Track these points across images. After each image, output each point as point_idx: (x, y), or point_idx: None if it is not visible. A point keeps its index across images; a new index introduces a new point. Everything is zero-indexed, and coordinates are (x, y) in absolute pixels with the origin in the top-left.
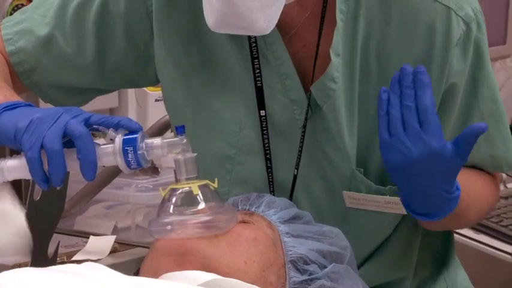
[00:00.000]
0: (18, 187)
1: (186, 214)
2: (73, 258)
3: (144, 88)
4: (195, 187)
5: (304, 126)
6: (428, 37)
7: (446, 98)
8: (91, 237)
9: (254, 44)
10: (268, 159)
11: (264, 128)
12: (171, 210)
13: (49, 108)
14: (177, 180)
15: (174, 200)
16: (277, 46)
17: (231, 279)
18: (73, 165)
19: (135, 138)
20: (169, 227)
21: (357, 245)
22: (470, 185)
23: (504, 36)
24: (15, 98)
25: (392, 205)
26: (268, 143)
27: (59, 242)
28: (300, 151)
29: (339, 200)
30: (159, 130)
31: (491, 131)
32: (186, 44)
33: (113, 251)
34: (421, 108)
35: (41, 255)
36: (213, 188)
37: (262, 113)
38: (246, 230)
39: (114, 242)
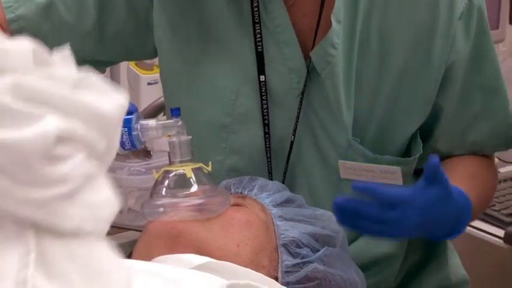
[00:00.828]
0: None
1: (179, 197)
2: None
3: (137, 71)
4: (188, 170)
5: (303, 93)
6: (432, 10)
7: (448, 75)
8: None
9: (256, 9)
10: (266, 125)
11: (263, 94)
12: (163, 193)
13: None
14: (171, 163)
15: (167, 182)
16: (278, 13)
17: (225, 262)
18: None
19: (130, 119)
20: (161, 209)
21: None
22: (478, 182)
23: (497, 21)
24: None
25: (389, 175)
26: (267, 108)
27: None
28: (297, 119)
29: (333, 171)
30: (152, 113)
31: (493, 108)
32: (185, 10)
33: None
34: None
35: None
36: (206, 171)
37: (262, 78)
38: (239, 213)
39: None
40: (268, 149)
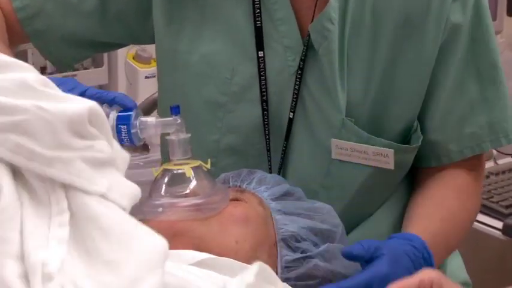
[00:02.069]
0: None
1: (178, 196)
2: None
3: (134, 65)
4: (188, 169)
5: (301, 69)
6: None
7: (442, 57)
8: None
9: None
10: (264, 101)
11: (262, 70)
12: (162, 192)
13: None
14: (169, 161)
15: (166, 181)
16: None
17: (224, 258)
18: None
19: (130, 115)
20: (160, 209)
21: (339, 204)
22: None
23: (495, 12)
24: None
25: (381, 157)
26: (266, 85)
27: None
28: (294, 97)
29: (325, 151)
30: (149, 107)
31: (491, 98)
32: None
33: None
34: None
35: None
36: (205, 169)
37: (261, 54)
38: (238, 209)
39: None
40: (266, 126)
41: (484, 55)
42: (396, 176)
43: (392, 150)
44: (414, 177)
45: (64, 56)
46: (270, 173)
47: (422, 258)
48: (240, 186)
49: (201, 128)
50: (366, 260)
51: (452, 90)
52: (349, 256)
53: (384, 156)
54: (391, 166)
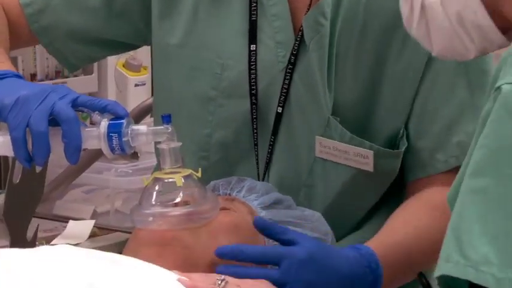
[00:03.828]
0: None
1: (169, 205)
2: (52, 243)
3: (124, 73)
4: (178, 178)
5: (292, 64)
6: None
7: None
8: (70, 221)
9: None
10: (253, 95)
11: (252, 63)
12: (153, 201)
13: (36, 84)
14: (160, 169)
15: (157, 189)
16: None
17: None
18: (57, 148)
19: (121, 124)
20: (151, 219)
21: (320, 204)
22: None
23: None
24: (5, 65)
25: (361, 158)
26: (255, 78)
27: (38, 225)
28: (283, 92)
29: (309, 149)
30: (139, 115)
31: (480, 106)
32: None
33: (92, 235)
34: None
35: (19, 239)
36: (196, 178)
37: (253, 47)
38: (227, 218)
39: (93, 226)
40: (255, 120)
41: (474, 61)
42: (380, 182)
43: (371, 152)
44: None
45: (70, 54)
46: (257, 168)
47: (367, 266)
48: (229, 195)
49: (193, 123)
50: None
51: (441, 97)
52: (260, 224)
53: (363, 158)
54: (370, 168)
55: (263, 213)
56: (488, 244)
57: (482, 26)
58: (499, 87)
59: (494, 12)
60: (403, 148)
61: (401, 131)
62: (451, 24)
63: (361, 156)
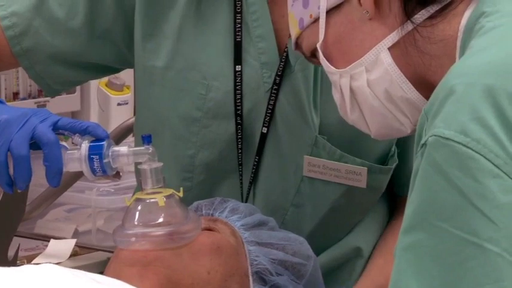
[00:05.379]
0: None
1: (151, 226)
2: (33, 262)
3: (107, 92)
4: (160, 199)
5: (277, 84)
6: None
7: None
8: (51, 240)
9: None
10: (239, 115)
11: (238, 84)
12: (135, 221)
13: (17, 108)
14: (142, 189)
15: (139, 210)
16: (258, 7)
17: None
18: (38, 171)
19: (102, 145)
20: (133, 239)
21: (309, 223)
22: None
23: None
24: None
25: (353, 175)
26: (241, 99)
27: (19, 245)
28: (268, 112)
29: (296, 168)
30: (121, 134)
31: None
32: (162, 5)
33: (73, 254)
34: None
35: (0, 257)
36: (178, 197)
37: (238, 68)
38: (210, 239)
39: (75, 245)
40: (239, 141)
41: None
42: (369, 198)
43: (365, 169)
44: (396, 206)
45: (51, 78)
46: (241, 188)
47: None
48: (212, 215)
49: (177, 143)
50: None
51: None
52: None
53: (356, 175)
54: (363, 185)
55: (246, 234)
56: None
57: (411, 99)
58: (424, 143)
59: (420, 83)
60: (393, 165)
61: (392, 149)
62: (381, 102)
63: (353, 174)
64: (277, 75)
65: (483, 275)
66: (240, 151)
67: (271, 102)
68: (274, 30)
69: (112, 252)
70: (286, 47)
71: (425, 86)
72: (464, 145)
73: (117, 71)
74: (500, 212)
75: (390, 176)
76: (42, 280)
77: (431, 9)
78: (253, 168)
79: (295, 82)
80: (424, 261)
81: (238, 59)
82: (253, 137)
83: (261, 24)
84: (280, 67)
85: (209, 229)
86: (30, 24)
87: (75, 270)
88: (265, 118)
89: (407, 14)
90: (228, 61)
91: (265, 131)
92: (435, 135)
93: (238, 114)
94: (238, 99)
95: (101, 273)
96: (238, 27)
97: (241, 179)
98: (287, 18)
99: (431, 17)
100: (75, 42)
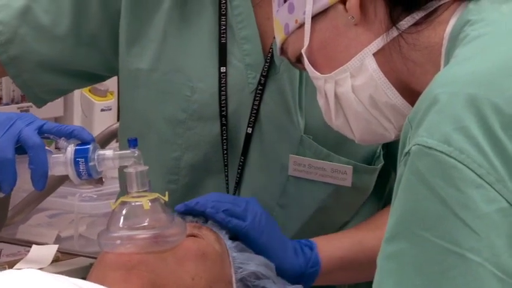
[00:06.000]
0: None
1: (136, 229)
2: (15, 267)
3: (90, 98)
4: (145, 202)
5: (262, 85)
6: None
7: None
8: (33, 246)
9: (224, 2)
10: (223, 117)
11: (223, 85)
12: (120, 224)
13: (2, 113)
14: (127, 193)
15: (124, 213)
16: (243, 9)
17: None
18: (24, 174)
19: (87, 149)
20: (118, 242)
21: (296, 223)
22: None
23: None
24: None
25: (339, 174)
26: (226, 100)
27: (1, 250)
28: (252, 113)
29: (282, 168)
30: (105, 140)
31: None
32: (147, 8)
33: (56, 260)
34: None
35: None
36: (163, 201)
37: (223, 69)
38: (195, 245)
39: (57, 251)
40: (225, 141)
41: None
42: (355, 199)
43: (351, 167)
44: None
45: (38, 87)
46: (227, 189)
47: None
48: (197, 222)
49: (162, 146)
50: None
51: None
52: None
53: (342, 173)
54: (348, 183)
55: (230, 242)
56: None
57: (395, 104)
58: (408, 152)
59: (405, 90)
60: (379, 165)
61: (378, 150)
62: (366, 108)
63: (339, 172)
64: (262, 76)
65: (464, 285)
66: (225, 152)
67: (256, 103)
68: (259, 32)
69: (95, 258)
70: (271, 49)
71: (410, 92)
72: (447, 154)
73: (104, 79)
74: (482, 222)
75: (376, 176)
76: (25, 285)
77: (417, 15)
78: (238, 169)
79: (280, 83)
80: (406, 271)
81: (222, 60)
82: (238, 138)
83: (246, 26)
84: (265, 68)
85: (194, 235)
86: (16, 32)
87: (57, 275)
88: (250, 118)
89: (393, 20)
90: (213, 63)
91: (250, 131)
92: (418, 144)
93: (223, 116)
94: (223, 100)
95: (84, 278)
96: (223, 29)
97: (226, 180)
98: (272, 20)
99: (416, 24)
100: (62, 49)
